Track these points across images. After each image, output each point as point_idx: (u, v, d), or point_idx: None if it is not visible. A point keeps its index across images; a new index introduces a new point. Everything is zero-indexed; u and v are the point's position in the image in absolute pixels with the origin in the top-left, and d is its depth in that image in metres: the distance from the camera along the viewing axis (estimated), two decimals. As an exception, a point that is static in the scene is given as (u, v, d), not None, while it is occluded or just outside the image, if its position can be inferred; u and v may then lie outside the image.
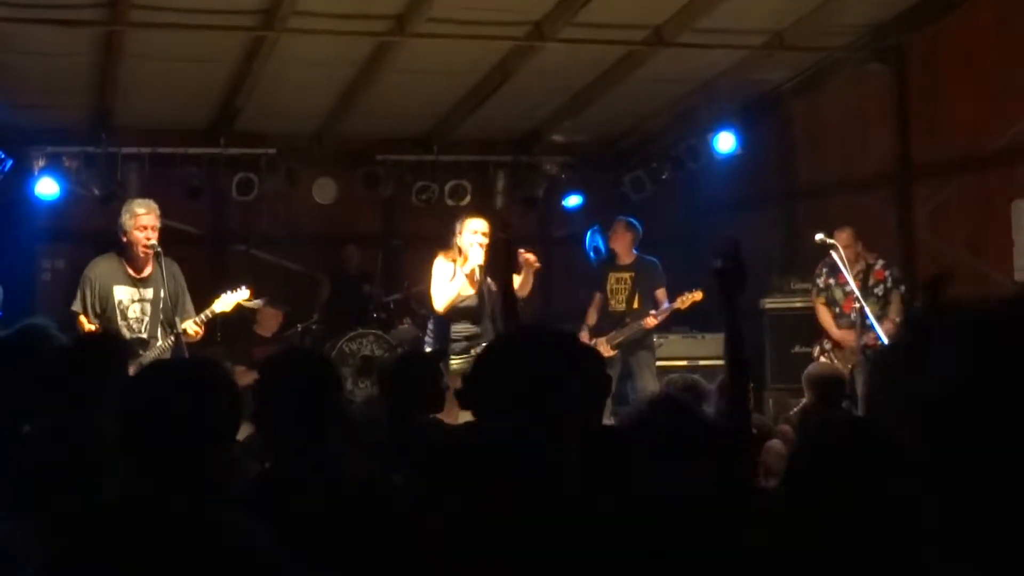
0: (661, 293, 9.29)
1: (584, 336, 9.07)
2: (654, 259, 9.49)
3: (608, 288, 9.40)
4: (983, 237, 8.74)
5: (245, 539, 2.22)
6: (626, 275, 9.39)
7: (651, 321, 9.02)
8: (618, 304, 9.33)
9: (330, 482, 3.14)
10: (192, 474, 2.26)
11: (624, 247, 9.37)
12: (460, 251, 7.68)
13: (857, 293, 8.02)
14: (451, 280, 7.65)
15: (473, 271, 7.61)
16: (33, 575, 2.28)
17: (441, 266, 7.73)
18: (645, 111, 10.71)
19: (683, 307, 9.01)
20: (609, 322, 9.25)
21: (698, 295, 8.95)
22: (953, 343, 0.97)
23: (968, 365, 0.93)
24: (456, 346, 7.61)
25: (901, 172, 9.57)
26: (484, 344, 6.77)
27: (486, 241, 7.56)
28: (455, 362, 7.42)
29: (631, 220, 9.51)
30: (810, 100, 10.35)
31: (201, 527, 2.20)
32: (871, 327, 7.91)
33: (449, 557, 1.99)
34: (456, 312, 7.69)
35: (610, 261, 9.54)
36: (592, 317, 9.38)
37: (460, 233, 7.70)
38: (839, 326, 8.54)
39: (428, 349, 7.65)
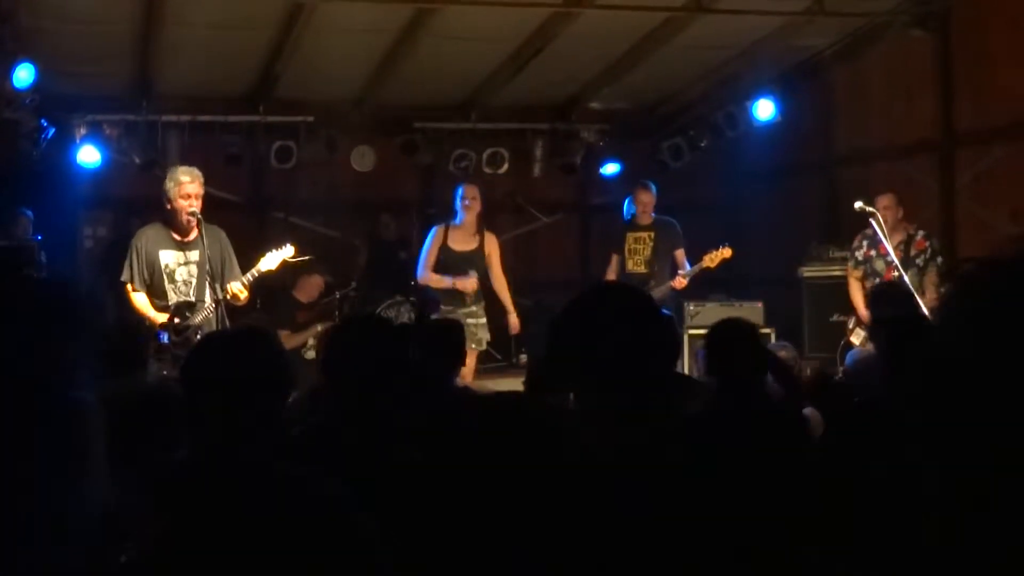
0: (680, 254, 9.20)
1: None
2: (672, 219, 9.40)
3: (626, 249, 9.33)
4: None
5: (311, 485, 2.34)
6: (645, 234, 9.33)
7: (681, 282, 8.92)
8: (637, 266, 9.27)
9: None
10: (252, 428, 2.50)
11: (646, 210, 9.35)
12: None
13: (897, 263, 7.97)
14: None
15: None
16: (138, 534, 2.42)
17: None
18: (684, 78, 10.64)
19: (712, 265, 8.92)
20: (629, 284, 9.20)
21: (727, 252, 8.87)
22: (961, 298, 0.95)
23: (973, 320, 0.92)
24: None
25: (944, 139, 9.47)
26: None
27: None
28: None
29: (649, 182, 9.49)
30: (851, 66, 10.24)
31: (267, 474, 2.33)
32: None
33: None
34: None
35: (628, 222, 9.47)
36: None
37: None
38: None
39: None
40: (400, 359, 3.43)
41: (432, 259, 8.47)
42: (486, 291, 8.59)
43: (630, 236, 9.36)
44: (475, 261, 8.47)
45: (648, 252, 9.28)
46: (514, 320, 8.62)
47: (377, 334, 3.50)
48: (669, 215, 9.47)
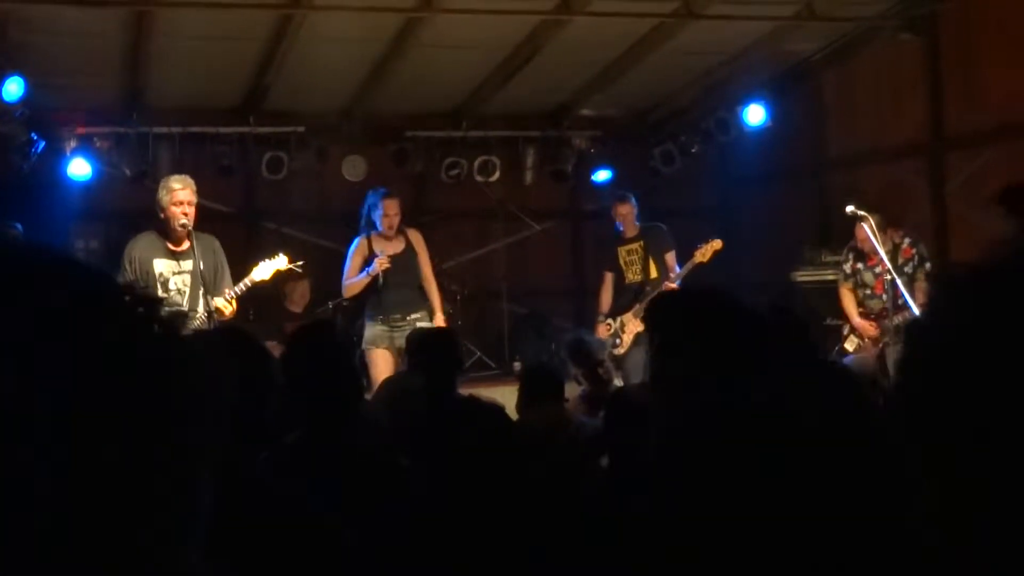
0: (670, 257, 9.12)
1: (601, 328, 9.00)
2: (658, 224, 9.34)
3: (621, 263, 9.28)
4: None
5: (278, 487, 2.30)
6: (635, 245, 9.27)
7: (672, 286, 8.80)
8: (635, 275, 9.20)
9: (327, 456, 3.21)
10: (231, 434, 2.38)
11: (628, 221, 9.25)
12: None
13: (889, 265, 7.98)
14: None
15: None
16: None
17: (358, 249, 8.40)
18: (675, 84, 10.65)
19: (705, 259, 8.83)
20: (629, 295, 9.14)
21: (717, 243, 8.79)
22: (955, 298, 0.94)
23: (966, 320, 0.91)
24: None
25: (934, 142, 9.49)
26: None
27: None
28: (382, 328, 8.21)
29: (626, 193, 9.42)
30: (841, 70, 10.27)
31: (244, 486, 2.27)
32: (906, 303, 7.86)
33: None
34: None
35: (616, 237, 9.40)
36: (606, 300, 9.28)
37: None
38: (871, 308, 8.48)
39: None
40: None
41: (356, 269, 8.33)
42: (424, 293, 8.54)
43: (622, 251, 9.29)
44: (408, 262, 8.32)
45: (641, 259, 9.22)
46: (439, 321, 8.39)
47: None
48: (662, 221, 9.46)
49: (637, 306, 8.91)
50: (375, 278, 8.22)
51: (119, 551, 0.78)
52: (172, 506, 0.81)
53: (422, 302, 8.39)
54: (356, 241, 8.45)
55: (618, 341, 8.90)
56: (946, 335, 0.91)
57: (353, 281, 8.35)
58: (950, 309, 0.93)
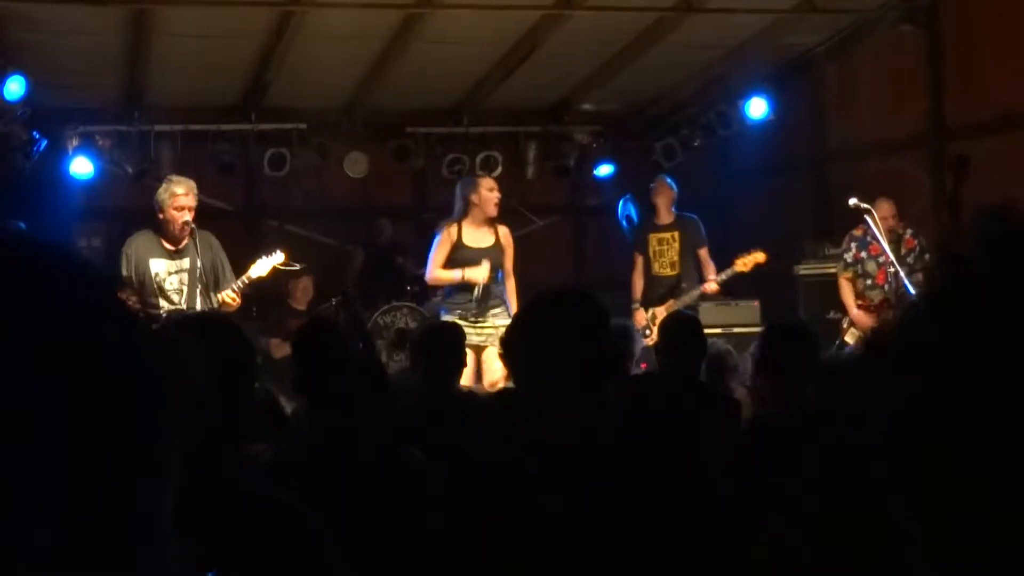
0: (705, 253, 9.00)
1: (639, 315, 8.88)
2: (694, 216, 9.21)
3: (650, 251, 9.10)
4: (1018, 199, 8.62)
5: (251, 484, 2.27)
6: (669, 235, 9.09)
7: (714, 287, 8.73)
8: (663, 268, 9.05)
9: (346, 453, 3.21)
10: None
11: (666, 206, 9.10)
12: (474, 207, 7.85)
13: (892, 258, 7.98)
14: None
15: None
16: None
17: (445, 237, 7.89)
18: (675, 78, 10.64)
19: (745, 269, 8.71)
20: (657, 288, 9.01)
21: (761, 256, 8.67)
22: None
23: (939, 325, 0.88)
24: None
25: (935, 134, 9.48)
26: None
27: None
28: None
29: (671, 179, 9.29)
30: (842, 63, 10.25)
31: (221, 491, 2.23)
32: (908, 294, 7.87)
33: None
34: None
35: (647, 222, 9.25)
36: (639, 286, 9.07)
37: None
38: (871, 298, 8.47)
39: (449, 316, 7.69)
40: None
41: (441, 261, 7.83)
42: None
43: (653, 237, 9.10)
44: (493, 258, 7.79)
45: (674, 254, 9.04)
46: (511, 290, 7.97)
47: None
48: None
49: (672, 301, 8.80)
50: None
51: (116, 549, 0.79)
52: (165, 504, 0.82)
53: (502, 297, 7.85)
54: (440, 232, 7.95)
55: (648, 332, 8.82)
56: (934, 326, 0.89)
57: (441, 276, 7.83)
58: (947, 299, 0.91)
